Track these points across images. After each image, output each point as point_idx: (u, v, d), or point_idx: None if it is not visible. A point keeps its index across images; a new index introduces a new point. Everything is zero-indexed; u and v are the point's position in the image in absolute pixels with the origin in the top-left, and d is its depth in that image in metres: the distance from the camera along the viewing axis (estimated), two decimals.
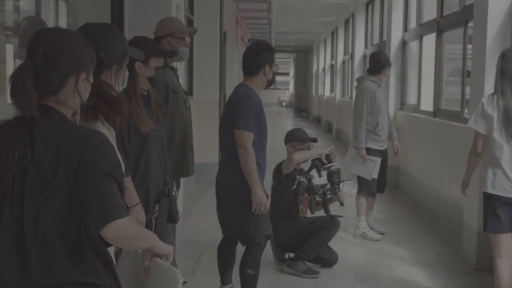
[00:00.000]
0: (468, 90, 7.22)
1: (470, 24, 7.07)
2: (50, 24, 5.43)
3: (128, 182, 3.32)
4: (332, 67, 23.08)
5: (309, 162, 5.84)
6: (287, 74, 45.90)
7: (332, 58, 23.15)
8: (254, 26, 20.41)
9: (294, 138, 5.68)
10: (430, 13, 9.02)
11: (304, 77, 38.48)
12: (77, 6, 5.53)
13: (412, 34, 9.92)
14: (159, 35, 4.69)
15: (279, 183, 5.69)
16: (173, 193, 3.86)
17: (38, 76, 2.07)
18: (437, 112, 8.39)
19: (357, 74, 15.62)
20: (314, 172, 5.87)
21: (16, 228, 2.06)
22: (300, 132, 5.81)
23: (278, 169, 5.73)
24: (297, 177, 5.68)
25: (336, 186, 5.74)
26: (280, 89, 45.47)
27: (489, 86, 5.77)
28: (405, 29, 10.31)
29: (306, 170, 5.84)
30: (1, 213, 2.08)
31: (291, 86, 43.94)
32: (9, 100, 2.26)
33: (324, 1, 16.67)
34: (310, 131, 23.10)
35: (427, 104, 9.13)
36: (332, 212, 5.77)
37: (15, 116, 2.14)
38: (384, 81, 7.28)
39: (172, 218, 3.88)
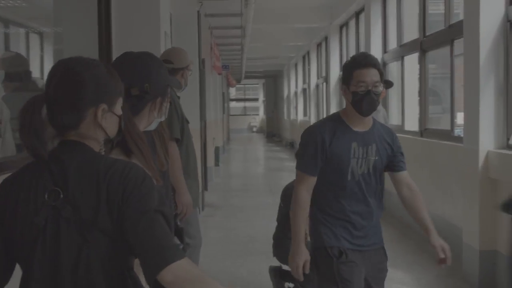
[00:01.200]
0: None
1: (456, 42, 7.07)
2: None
3: None
4: (304, 91, 23.10)
5: None
6: (257, 100, 45.98)
7: (304, 82, 23.17)
8: (226, 52, 20.36)
9: None
10: (411, 34, 9.02)
11: (274, 102, 38.54)
12: (63, 37, 5.37)
13: (393, 55, 9.91)
14: (179, 66, 4.67)
15: (288, 205, 5.00)
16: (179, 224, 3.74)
17: (53, 110, 1.89)
18: (424, 131, 8.34)
19: (333, 97, 15.62)
20: None
21: (50, 281, 1.85)
22: None
23: (287, 191, 5.12)
24: None
25: None
26: (250, 115, 45.55)
27: (485, 103, 5.73)
28: (384, 50, 10.30)
29: None
30: (31, 265, 1.86)
31: (261, 112, 44.00)
32: None
33: (296, 25, 16.69)
34: (284, 156, 23.15)
35: (410, 124, 9.09)
36: None
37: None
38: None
39: (184, 249, 3.76)
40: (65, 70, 1.92)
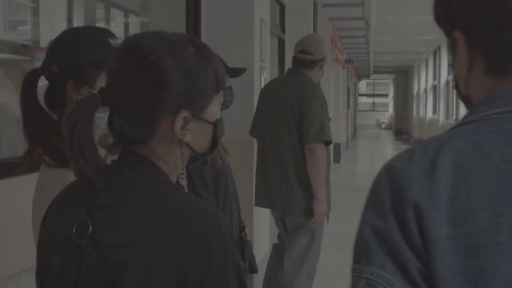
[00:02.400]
0: None
1: None
2: None
3: None
4: (434, 87, 21.99)
5: None
6: (386, 95, 44.82)
7: (434, 78, 22.06)
8: (351, 46, 19.68)
9: None
10: None
11: (404, 99, 37.26)
12: (150, 23, 5.01)
13: None
14: (319, 57, 4.26)
15: None
16: (249, 238, 3.16)
17: (110, 115, 1.30)
18: None
19: None
20: None
21: None
22: None
23: None
24: None
25: None
26: (379, 111, 44.45)
27: None
28: None
29: None
30: None
31: (391, 108, 42.80)
32: None
33: (426, 17, 15.70)
34: None
35: None
36: None
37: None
38: None
39: (252, 268, 3.18)
40: (125, 55, 1.29)
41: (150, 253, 1.17)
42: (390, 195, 0.97)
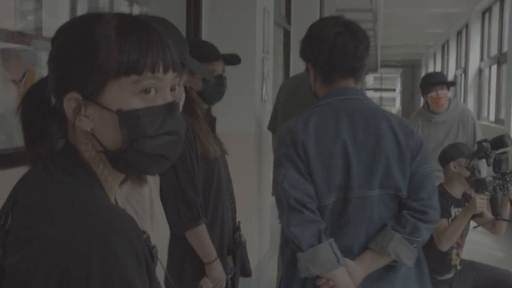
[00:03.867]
0: None
1: None
2: None
3: (203, 231, 2.61)
4: None
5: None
6: (394, 90, 44.55)
7: None
8: None
9: (460, 154, 3.95)
10: None
11: (411, 93, 36.96)
12: (150, 11, 4.83)
13: None
14: None
15: None
16: (243, 239, 2.99)
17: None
18: None
19: (471, 89, 14.37)
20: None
21: None
22: (465, 146, 4.14)
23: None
24: (453, 211, 3.89)
25: (508, 179, 3.88)
26: (386, 105, 44.21)
27: None
28: None
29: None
30: None
31: (398, 102, 42.49)
32: None
33: (434, 10, 15.51)
34: None
35: None
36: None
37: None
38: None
39: (245, 271, 3.02)
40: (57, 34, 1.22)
41: (37, 255, 1.02)
42: (290, 138, 2.35)
